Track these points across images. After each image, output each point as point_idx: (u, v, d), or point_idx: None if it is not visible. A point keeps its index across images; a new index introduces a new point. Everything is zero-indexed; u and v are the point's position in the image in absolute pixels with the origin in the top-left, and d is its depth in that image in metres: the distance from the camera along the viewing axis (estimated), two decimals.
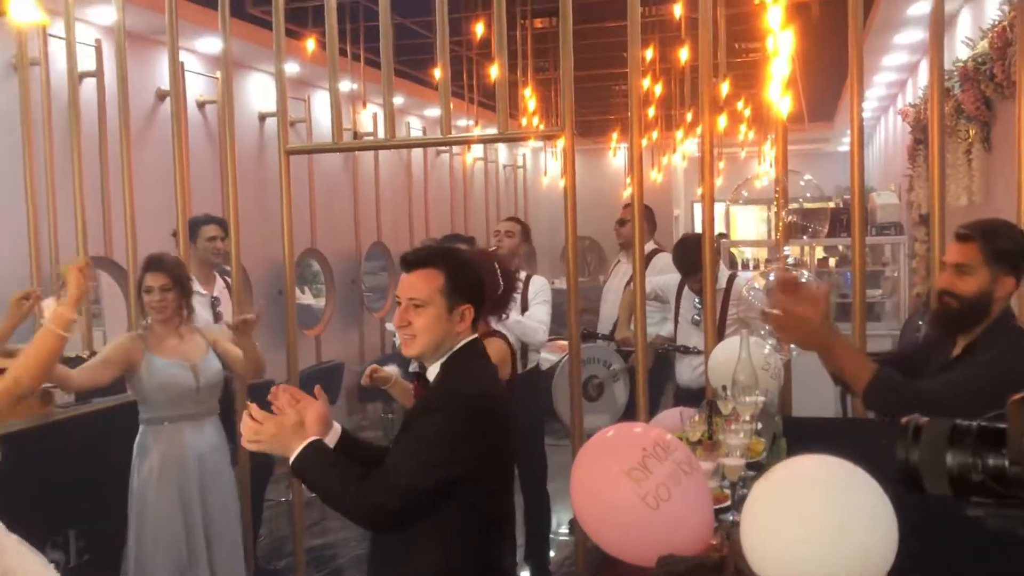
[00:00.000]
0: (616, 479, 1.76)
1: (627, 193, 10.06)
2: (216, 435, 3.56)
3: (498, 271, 3.16)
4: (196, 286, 3.99)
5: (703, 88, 3.34)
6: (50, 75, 4.52)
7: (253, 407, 2.07)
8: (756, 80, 7.60)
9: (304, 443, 2.03)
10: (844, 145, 12.60)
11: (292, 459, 2.03)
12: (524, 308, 4.33)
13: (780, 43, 2.74)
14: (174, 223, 4.10)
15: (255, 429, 2.04)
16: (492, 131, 7.63)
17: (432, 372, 2.16)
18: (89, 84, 5.12)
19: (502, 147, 11.99)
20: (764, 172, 8.90)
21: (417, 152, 9.46)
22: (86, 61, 4.92)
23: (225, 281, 4.56)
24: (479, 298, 2.19)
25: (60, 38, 4.49)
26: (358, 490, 2.00)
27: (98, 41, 5.31)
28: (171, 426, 3.45)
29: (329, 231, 7.93)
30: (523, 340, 4.32)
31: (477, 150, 10.63)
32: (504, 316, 3.37)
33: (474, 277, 2.21)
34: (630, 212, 5.02)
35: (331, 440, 2.14)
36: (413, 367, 2.56)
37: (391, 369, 3.17)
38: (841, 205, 8.04)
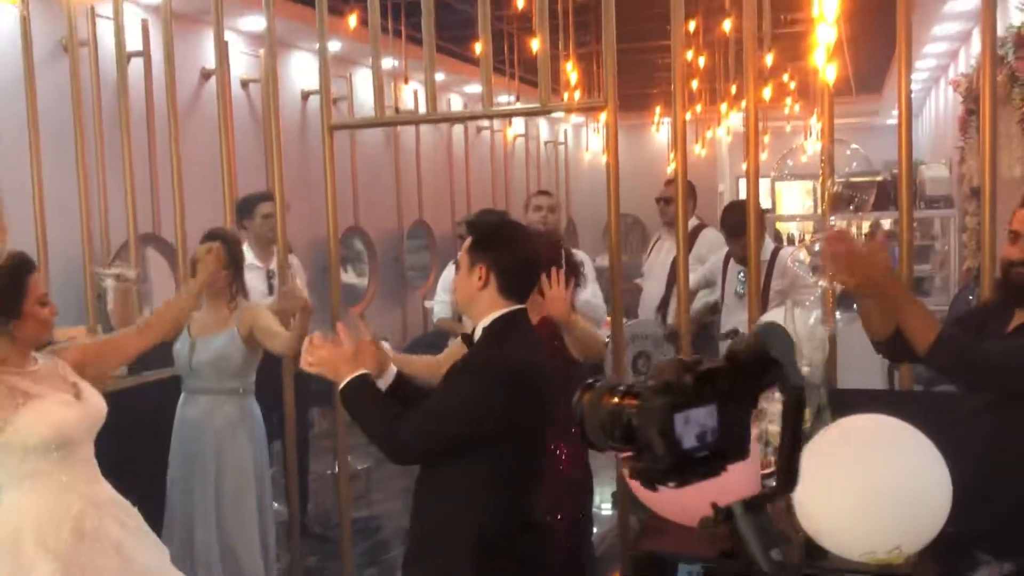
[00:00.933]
0: None
1: (670, 169, 9.98)
2: (232, 413, 3.57)
3: (562, 254, 3.21)
4: (252, 259, 4.07)
5: (748, 60, 3.30)
6: (98, 56, 4.60)
7: (316, 334, 2.30)
8: (801, 52, 7.46)
9: (354, 374, 2.22)
10: (892, 118, 12.32)
11: (340, 387, 2.23)
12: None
13: (826, 8, 2.69)
14: (220, 201, 4.16)
15: (312, 351, 2.24)
16: (534, 106, 7.61)
17: (476, 335, 2.32)
18: (136, 64, 5.20)
19: (543, 123, 11.93)
20: (810, 143, 8.76)
21: (458, 129, 9.46)
22: (133, 41, 4.99)
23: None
24: (497, 260, 2.29)
25: (108, 19, 4.56)
26: (390, 427, 2.20)
27: (144, 21, 5.38)
28: (188, 396, 3.62)
29: (371, 209, 7.98)
30: (588, 319, 4.33)
31: (518, 126, 10.60)
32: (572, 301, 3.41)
33: (497, 242, 2.33)
34: (672, 188, 4.99)
35: (384, 381, 2.32)
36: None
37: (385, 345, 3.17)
38: (889, 179, 7.90)
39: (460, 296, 2.38)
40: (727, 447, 0.94)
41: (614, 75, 3.36)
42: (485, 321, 2.29)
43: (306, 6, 5.78)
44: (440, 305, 5.07)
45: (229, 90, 4.20)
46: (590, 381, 1.02)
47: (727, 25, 5.67)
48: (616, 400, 0.96)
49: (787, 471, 0.98)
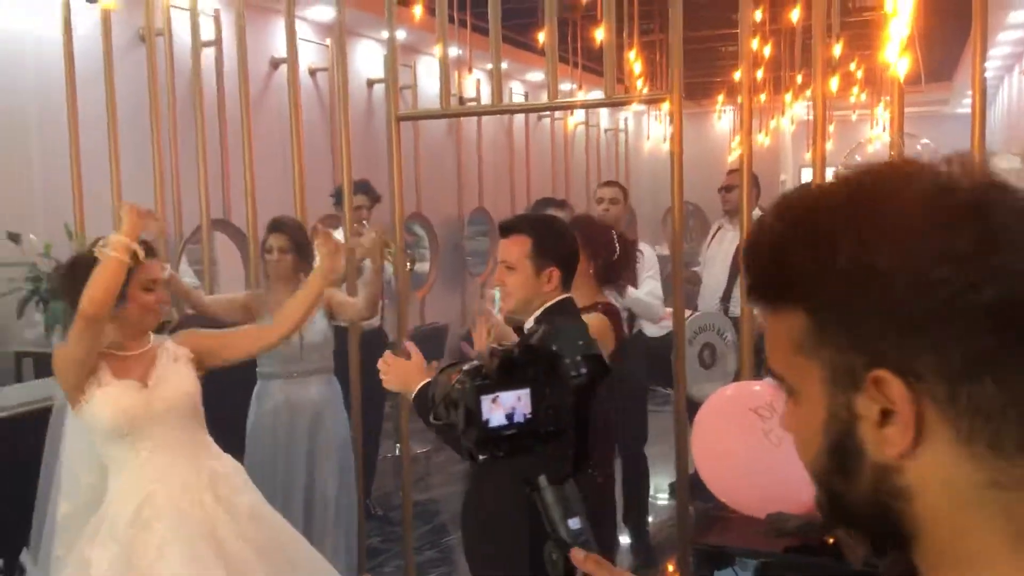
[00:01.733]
0: (743, 415, 1.84)
1: (731, 158, 9.86)
2: (325, 391, 3.74)
3: (615, 240, 3.22)
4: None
5: (817, 49, 3.26)
6: (173, 45, 4.73)
7: (387, 353, 2.36)
8: (869, 41, 7.32)
9: (422, 383, 2.28)
10: (964, 107, 12.02)
11: (412, 395, 2.28)
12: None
13: (900, 3, 2.65)
14: (288, 188, 4.25)
15: (384, 369, 2.31)
16: (595, 95, 7.58)
17: (527, 327, 2.38)
18: (207, 53, 5.33)
19: (604, 111, 11.90)
20: (877, 136, 8.59)
21: (519, 117, 9.49)
22: (205, 31, 5.12)
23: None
24: (566, 261, 2.40)
25: (182, 9, 4.69)
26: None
27: (216, 11, 5.51)
28: (278, 381, 3.70)
29: (433, 196, 8.06)
30: (642, 317, 4.34)
31: (579, 114, 10.59)
32: (622, 292, 3.43)
33: (560, 242, 2.41)
34: (735, 178, 4.94)
35: None
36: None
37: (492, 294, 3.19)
38: None
39: (521, 297, 2.38)
40: (537, 427, 1.06)
41: (679, 65, 3.36)
42: (538, 311, 2.37)
43: None
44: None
45: (298, 79, 4.27)
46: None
47: (795, 14, 5.59)
48: (451, 379, 1.08)
49: (577, 453, 1.10)
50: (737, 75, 8.06)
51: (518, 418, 1.05)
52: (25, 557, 2.96)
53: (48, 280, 4.16)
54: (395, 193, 3.87)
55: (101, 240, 2.49)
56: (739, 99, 3.56)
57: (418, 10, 5.32)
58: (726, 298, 5.52)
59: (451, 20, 6.58)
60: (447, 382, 1.09)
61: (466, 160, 8.60)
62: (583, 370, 1.10)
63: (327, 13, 6.40)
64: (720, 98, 10.57)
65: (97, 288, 2.35)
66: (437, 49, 3.48)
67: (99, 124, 4.43)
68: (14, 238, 4.39)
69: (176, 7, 4.77)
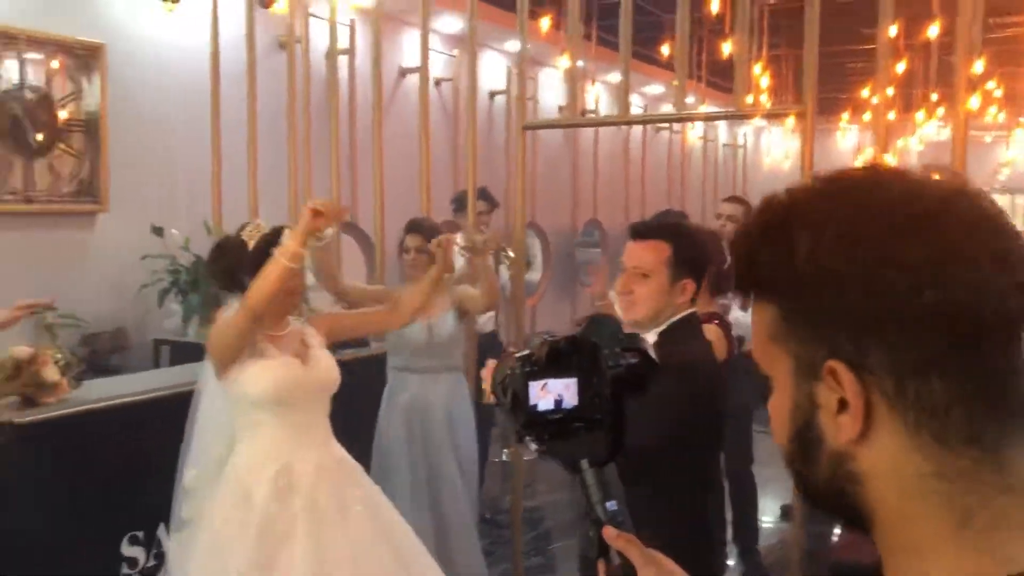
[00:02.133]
0: None
1: None
2: (454, 389, 3.83)
3: (726, 251, 3.16)
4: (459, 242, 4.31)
5: (959, 67, 3.16)
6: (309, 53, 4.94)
7: (490, 361, 2.34)
8: (1011, 57, 7.01)
9: None
10: None
11: None
12: None
13: None
14: (413, 194, 4.38)
15: (485, 376, 2.31)
16: (715, 109, 7.49)
17: (649, 340, 2.25)
18: (340, 61, 5.53)
19: (722, 125, 11.75)
20: (1010, 161, 8.21)
21: (636, 129, 9.47)
22: (339, 39, 5.32)
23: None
24: (702, 274, 2.29)
25: (319, 18, 4.89)
26: None
27: (352, 21, 5.72)
28: (407, 375, 3.81)
29: (547, 205, 8.12)
30: (748, 336, 4.28)
31: (698, 128, 10.49)
32: (726, 312, 3.38)
33: (700, 253, 2.31)
34: None
35: None
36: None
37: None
38: None
39: (652, 306, 2.25)
40: (583, 415, 1.12)
41: (814, 79, 3.31)
42: (665, 324, 2.25)
43: (492, 6, 5.96)
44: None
45: (428, 89, 4.40)
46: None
47: (933, 30, 5.42)
48: (509, 364, 1.15)
49: (615, 440, 1.16)
50: (865, 92, 7.83)
51: (566, 405, 1.12)
52: (162, 531, 3.14)
53: (189, 272, 4.40)
54: (518, 201, 3.94)
55: (249, 225, 2.67)
56: (865, 116, 3.48)
57: (544, 23, 5.40)
58: None
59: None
60: (504, 366, 1.16)
61: (582, 171, 8.63)
62: (621, 361, 1.16)
63: (454, 25, 6.56)
64: (845, 115, 10.28)
65: (264, 287, 2.49)
66: (562, 60, 3.56)
67: (237, 127, 4.66)
68: (158, 232, 4.66)
69: (315, 16, 4.99)
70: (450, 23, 6.61)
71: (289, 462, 2.64)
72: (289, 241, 2.52)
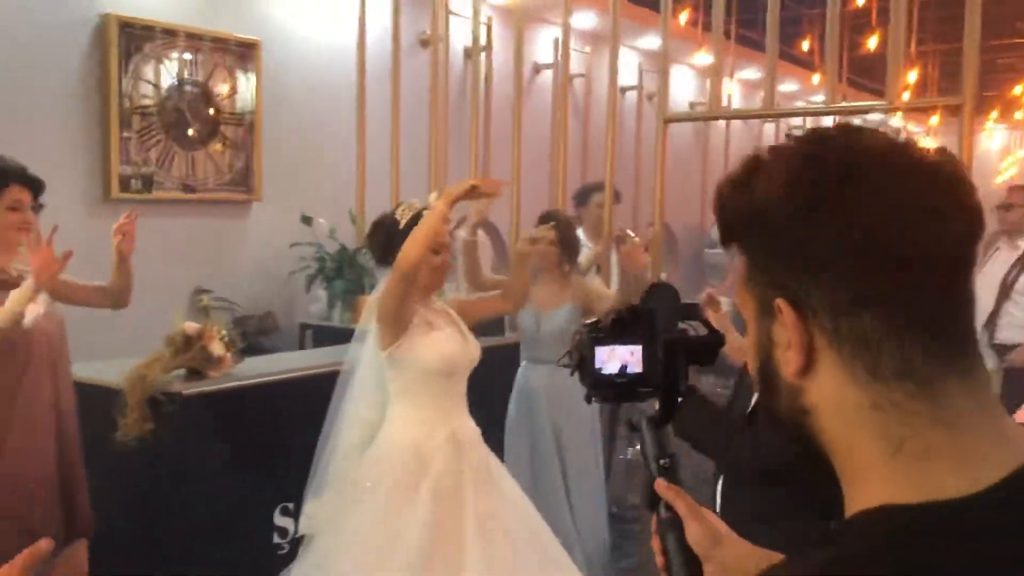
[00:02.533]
0: None
1: (1000, 179, 9.12)
2: (568, 380, 3.86)
3: None
4: (585, 242, 4.37)
5: None
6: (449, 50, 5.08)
7: None
8: None
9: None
10: None
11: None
12: None
13: None
14: (543, 188, 4.46)
15: None
16: (881, 103, 7.26)
17: None
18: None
19: (858, 121, 11.35)
20: None
21: (769, 128, 9.30)
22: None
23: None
24: None
25: (458, 16, 5.02)
26: (730, 442, 2.20)
27: (489, 19, 5.84)
28: (529, 364, 3.91)
29: (675, 203, 8.06)
30: None
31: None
32: None
33: None
34: (1017, 196, 4.60)
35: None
36: None
37: (724, 301, 3.14)
38: None
39: None
40: (646, 380, 1.19)
41: (975, 73, 3.22)
42: None
43: (627, 1, 5.96)
44: None
45: (566, 86, 4.47)
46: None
47: None
48: (578, 331, 1.25)
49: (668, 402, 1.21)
50: (1018, 89, 7.46)
51: (631, 370, 1.20)
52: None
53: (334, 259, 4.59)
54: (656, 195, 3.96)
55: (403, 204, 2.82)
56: (1017, 115, 3.34)
57: (683, 17, 5.38)
58: (991, 322, 5.15)
59: (707, 28, 6.58)
60: (579, 333, 1.26)
61: (712, 168, 8.54)
62: (687, 330, 1.23)
63: (587, 21, 6.60)
64: (994, 114, 9.77)
65: (412, 245, 2.64)
66: (697, 57, 3.56)
67: (381, 122, 4.84)
68: (307, 221, 4.89)
69: (455, 14, 5.12)
70: (583, 19, 6.65)
71: (455, 427, 2.81)
72: (438, 202, 2.69)
